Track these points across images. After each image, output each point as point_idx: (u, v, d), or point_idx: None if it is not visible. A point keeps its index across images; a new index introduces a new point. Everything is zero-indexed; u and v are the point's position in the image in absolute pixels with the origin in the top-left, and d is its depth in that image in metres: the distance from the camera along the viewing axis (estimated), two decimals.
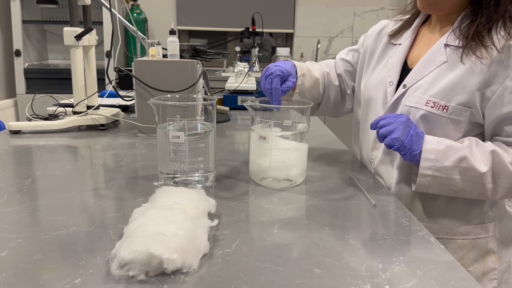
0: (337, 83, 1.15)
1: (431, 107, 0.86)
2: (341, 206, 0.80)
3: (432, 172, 0.83)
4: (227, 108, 1.65)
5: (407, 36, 0.99)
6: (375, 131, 0.90)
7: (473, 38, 0.83)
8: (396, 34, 1.02)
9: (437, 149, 0.83)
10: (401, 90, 0.93)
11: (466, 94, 0.84)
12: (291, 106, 0.91)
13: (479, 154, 0.83)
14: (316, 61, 2.37)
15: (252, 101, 0.88)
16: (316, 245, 0.64)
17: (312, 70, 1.09)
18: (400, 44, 1.00)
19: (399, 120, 0.84)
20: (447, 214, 0.92)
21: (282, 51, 3.61)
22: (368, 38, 1.11)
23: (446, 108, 0.85)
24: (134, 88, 1.27)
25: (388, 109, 0.95)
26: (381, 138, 0.84)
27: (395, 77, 0.96)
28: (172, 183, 0.88)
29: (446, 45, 0.88)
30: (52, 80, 3.08)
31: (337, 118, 1.25)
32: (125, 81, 1.41)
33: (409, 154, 0.84)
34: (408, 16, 1.03)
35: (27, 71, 3.06)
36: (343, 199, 0.83)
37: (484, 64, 0.82)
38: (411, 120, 0.85)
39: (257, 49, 2.04)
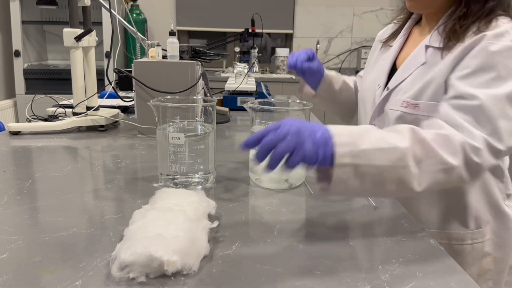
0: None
1: (405, 107, 0.87)
2: (341, 208, 0.80)
3: (352, 160, 0.62)
4: (226, 109, 1.65)
5: (398, 38, 1.00)
6: None
7: (449, 37, 0.82)
8: (390, 38, 1.03)
9: (349, 130, 0.65)
10: (384, 92, 0.93)
11: (433, 88, 0.82)
12: (290, 108, 0.91)
13: (395, 133, 0.68)
14: None
15: (252, 103, 0.88)
16: (316, 246, 0.64)
17: (346, 79, 1.19)
18: (391, 46, 1.01)
19: (285, 129, 0.62)
20: (443, 220, 0.91)
21: (281, 51, 3.61)
22: (373, 46, 1.13)
23: (417, 106, 0.84)
24: (133, 89, 1.28)
25: (375, 112, 0.96)
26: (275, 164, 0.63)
27: (383, 80, 0.96)
28: (172, 185, 0.88)
29: (428, 46, 0.88)
30: (52, 81, 3.08)
31: (337, 120, 1.26)
32: (124, 82, 1.42)
33: (317, 152, 0.62)
34: (402, 18, 1.04)
35: (26, 72, 3.06)
36: (343, 201, 0.83)
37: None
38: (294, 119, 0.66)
39: (256, 49, 2.04)
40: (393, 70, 0.96)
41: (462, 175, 0.68)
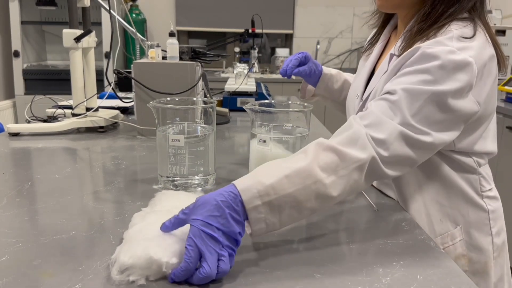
0: None
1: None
2: (341, 210, 0.80)
3: (262, 199, 0.60)
4: (226, 110, 1.65)
5: (378, 44, 0.97)
6: None
7: (407, 44, 0.80)
8: (369, 45, 1.00)
9: (247, 179, 0.62)
10: (359, 103, 0.92)
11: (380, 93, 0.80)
12: (290, 110, 0.91)
13: (299, 154, 0.67)
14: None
15: (252, 104, 0.88)
16: (317, 249, 0.64)
17: (348, 76, 1.17)
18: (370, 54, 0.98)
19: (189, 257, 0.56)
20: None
21: (281, 51, 3.61)
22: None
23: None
24: (133, 90, 1.27)
25: None
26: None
27: (360, 90, 0.95)
28: (171, 186, 0.88)
29: (392, 55, 0.85)
30: (51, 81, 3.07)
31: (339, 122, 1.25)
32: (124, 83, 1.41)
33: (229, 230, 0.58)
34: (377, 21, 1.00)
35: (25, 72, 3.06)
36: (343, 203, 0.83)
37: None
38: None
39: (256, 50, 2.04)
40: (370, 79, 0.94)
41: (377, 168, 0.68)
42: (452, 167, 0.84)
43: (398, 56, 0.81)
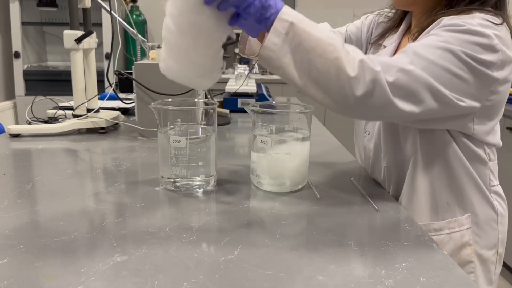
0: None
1: None
2: (342, 211, 0.80)
3: (293, 18, 0.69)
4: (227, 111, 1.65)
5: (392, 40, 0.99)
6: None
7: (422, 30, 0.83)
8: (380, 39, 1.02)
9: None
10: None
11: None
12: (292, 111, 0.91)
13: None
14: None
15: (254, 105, 0.88)
16: (319, 251, 0.64)
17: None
18: (385, 46, 1.00)
19: None
20: (416, 212, 0.89)
21: None
22: (372, 24, 1.11)
23: None
24: (134, 91, 1.27)
25: None
26: None
27: None
28: (173, 188, 0.88)
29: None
30: (51, 82, 3.07)
31: (340, 123, 1.25)
32: (125, 84, 1.41)
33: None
34: (394, 15, 1.02)
35: (26, 73, 3.06)
36: (344, 204, 0.83)
37: None
38: None
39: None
40: None
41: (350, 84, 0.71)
42: (466, 155, 0.86)
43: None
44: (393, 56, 0.75)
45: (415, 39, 0.84)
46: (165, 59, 0.74)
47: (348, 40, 1.13)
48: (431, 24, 0.81)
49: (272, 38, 0.69)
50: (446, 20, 0.77)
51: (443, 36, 0.75)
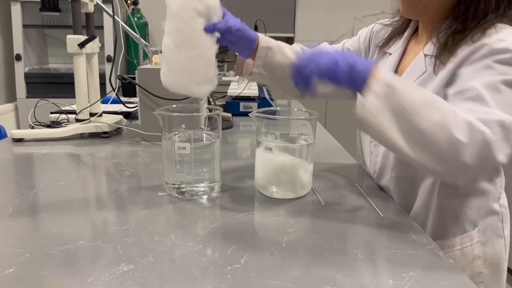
0: None
1: None
2: (348, 218, 0.80)
3: (392, 80, 0.69)
4: (229, 115, 1.65)
5: (397, 47, 0.98)
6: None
7: (445, 47, 0.81)
8: (386, 43, 1.01)
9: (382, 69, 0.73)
10: None
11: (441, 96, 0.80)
12: (297, 118, 0.91)
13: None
14: None
15: (258, 112, 0.88)
16: (325, 260, 0.63)
17: (286, 51, 0.99)
18: (390, 54, 0.99)
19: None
20: (433, 229, 0.90)
21: None
22: (367, 37, 1.09)
23: None
24: (137, 95, 1.27)
25: None
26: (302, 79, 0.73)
27: None
28: (177, 194, 0.87)
29: (426, 55, 0.87)
30: (53, 85, 3.07)
31: (341, 126, 1.25)
32: (128, 89, 1.41)
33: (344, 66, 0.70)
34: (398, 21, 1.01)
35: (27, 75, 3.06)
36: (349, 211, 0.83)
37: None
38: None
39: None
40: None
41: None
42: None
43: (437, 57, 0.82)
44: (473, 104, 0.71)
45: (437, 54, 0.82)
46: (165, 74, 0.83)
47: (345, 52, 1.13)
48: (451, 38, 0.80)
49: (371, 100, 0.68)
50: (487, 46, 0.75)
51: (502, 70, 0.72)
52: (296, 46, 1.10)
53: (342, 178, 1.03)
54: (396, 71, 0.96)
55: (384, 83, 0.68)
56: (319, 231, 0.74)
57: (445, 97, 0.78)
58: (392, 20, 1.04)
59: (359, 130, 1.10)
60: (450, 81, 0.79)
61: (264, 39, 0.97)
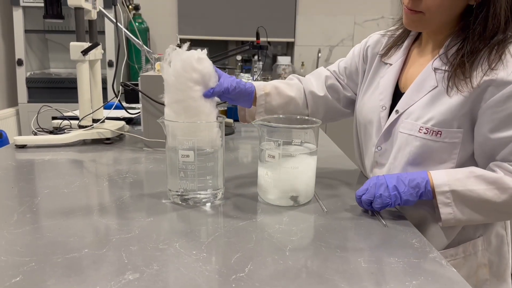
0: (322, 94, 1.09)
1: (424, 133, 0.85)
2: (350, 226, 0.80)
3: (450, 187, 0.80)
4: (231, 120, 1.65)
5: (398, 57, 0.97)
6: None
7: (457, 69, 0.82)
8: (386, 52, 1.00)
9: (442, 171, 0.83)
10: (394, 115, 0.92)
11: (457, 118, 0.83)
12: (300, 126, 0.91)
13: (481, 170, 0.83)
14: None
15: (261, 120, 0.89)
16: (329, 269, 0.64)
17: (283, 89, 1.05)
18: (391, 64, 0.98)
19: (372, 183, 0.85)
20: (432, 240, 0.90)
21: (283, 59, 3.62)
22: (360, 52, 1.08)
23: (440, 133, 0.84)
24: (140, 102, 1.28)
25: (382, 135, 0.95)
26: (370, 206, 0.84)
27: (387, 102, 0.95)
28: (180, 201, 0.88)
29: (436, 69, 0.87)
30: (54, 89, 3.07)
31: (342, 131, 1.25)
32: (131, 95, 1.42)
33: (413, 192, 0.82)
34: (398, 31, 1.00)
35: (29, 80, 3.06)
36: (352, 219, 0.83)
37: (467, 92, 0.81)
38: (381, 177, 0.85)
39: (261, 63, 2.05)
40: (395, 91, 0.95)
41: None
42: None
43: (449, 78, 0.83)
44: None
45: (450, 75, 0.84)
46: (170, 141, 0.88)
47: (342, 72, 1.12)
48: (465, 60, 0.81)
49: (444, 210, 0.82)
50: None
51: None
52: (293, 78, 1.13)
53: (345, 185, 1.04)
54: (398, 81, 0.96)
55: (445, 192, 0.81)
56: (322, 239, 0.74)
57: (471, 117, 0.83)
58: (389, 29, 1.04)
59: (357, 139, 1.09)
60: (473, 114, 0.82)
61: (260, 87, 1.02)
